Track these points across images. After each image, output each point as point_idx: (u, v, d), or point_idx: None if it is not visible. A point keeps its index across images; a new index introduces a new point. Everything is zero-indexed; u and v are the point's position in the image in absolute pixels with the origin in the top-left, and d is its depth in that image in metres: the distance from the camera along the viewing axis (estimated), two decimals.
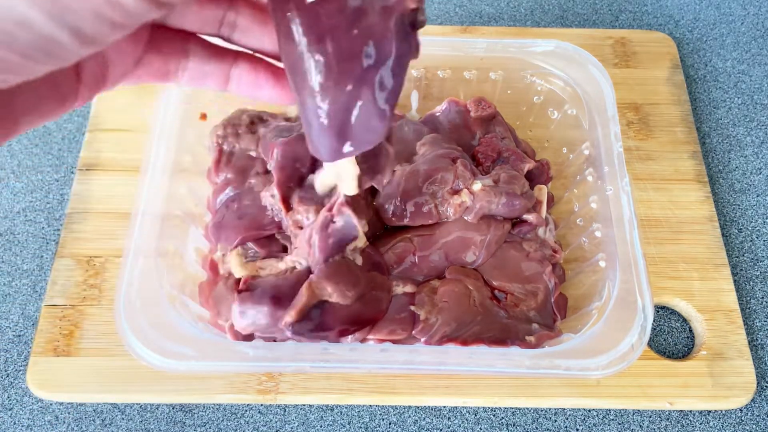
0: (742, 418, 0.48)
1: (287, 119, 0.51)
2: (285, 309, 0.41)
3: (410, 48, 0.25)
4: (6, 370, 0.49)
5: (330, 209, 0.40)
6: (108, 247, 0.52)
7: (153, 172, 0.45)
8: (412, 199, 0.45)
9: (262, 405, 0.48)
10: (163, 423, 0.47)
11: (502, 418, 0.48)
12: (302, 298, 0.40)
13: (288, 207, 0.44)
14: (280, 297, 0.41)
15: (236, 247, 0.46)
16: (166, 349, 0.38)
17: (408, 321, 0.44)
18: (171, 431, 0.47)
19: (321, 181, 0.41)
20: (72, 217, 0.53)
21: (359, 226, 0.40)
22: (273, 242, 0.46)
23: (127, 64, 0.25)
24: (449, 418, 0.48)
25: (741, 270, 0.54)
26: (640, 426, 0.48)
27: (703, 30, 0.69)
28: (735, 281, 0.53)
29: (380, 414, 0.48)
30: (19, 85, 0.21)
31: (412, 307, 0.44)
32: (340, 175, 0.37)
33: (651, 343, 0.51)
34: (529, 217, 0.48)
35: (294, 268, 0.43)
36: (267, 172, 0.48)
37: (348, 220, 0.40)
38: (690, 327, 0.52)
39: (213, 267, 0.46)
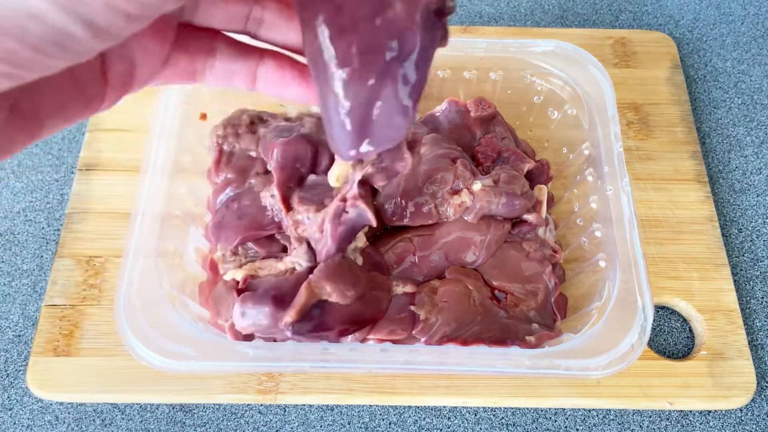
0: (742, 418, 0.48)
1: (287, 119, 0.51)
2: (286, 309, 0.41)
3: (436, 38, 0.24)
4: (6, 370, 0.49)
5: (343, 199, 0.40)
6: (108, 247, 0.52)
7: (153, 172, 0.45)
8: (412, 199, 0.45)
9: (262, 405, 0.48)
10: (163, 423, 0.47)
11: (502, 418, 0.48)
12: (301, 297, 0.40)
13: (288, 207, 0.44)
14: (281, 297, 0.41)
15: (236, 247, 0.46)
16: (166, 349, 0.38)
17: (408, 321, 0.44)
18: (171, 431, 0.47)
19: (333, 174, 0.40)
20: (72, 217, 0.53)
21: (371, 217, 0.40)
22: (273, 242, 0.46)
23: (154, 64, 0.24)
24: (449, 418, 0.48)
25: (741, 270, 0.54)
26: (640, 426, 0.48)
27: (703, 30, 0.69)
28: (735, 281, 0.53)
29: (380, 414, 0.48)
30: (42, 86, 0.20)
31: (412, 307, 0.44)
32: (335, 163, 0.36)
33: (651, 343, 0.51)
34: (529, 217, 0.48)
35: (294, 269, 0.43)
36: (267, 172, 0.48)
37: (361, 212, 0.40)
38: (690, 327, 0.52)
39: (213, 267, 0.46)
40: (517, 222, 0.48)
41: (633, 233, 0.44)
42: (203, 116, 0.51)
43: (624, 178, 0.46)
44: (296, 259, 0.43)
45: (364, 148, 0.26)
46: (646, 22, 0.69)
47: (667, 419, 0.48)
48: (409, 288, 0.45)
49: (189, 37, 0.25)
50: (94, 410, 0.48)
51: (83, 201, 0.54)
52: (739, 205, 0.58)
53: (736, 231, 0.56)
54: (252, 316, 0.41)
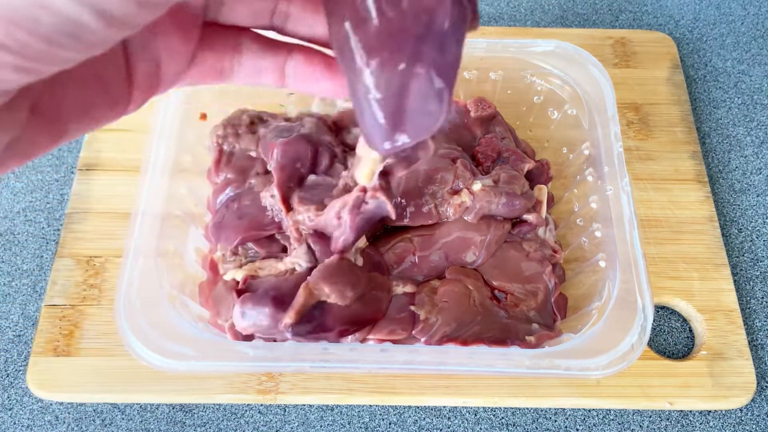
0: (742, 418, 0.48)
1: (287, 119, 0.51)
2: (286, 310, 0.41)
3: (467, 18, 0.23)
4: (6, 370, 0.49)
5: (363, 189, 0.39)
6: (108, 247, 0.52)
7: (153, 172, 0.45)
8: (412, 199, 0.45)
9: (262, 405, 0.48)
10: (163, 423, 0.47)
11: (502, 418, 0.48)
12: (299, 299, 0.40)
13: (288, 207, 0.44)
14: (281, 298, 0.41)
15: (236, 247, 0.46)
16: (166, 349, 0.38)
17: (408, 321, 0.44)
18: (171, 431, 0.47)
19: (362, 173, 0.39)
20: (72, 217, 0.53)
21: (391, 209, 0.40)
22: (273, 242, 0.46)
23: (180, 63, 0.24)
24: (449, 418, 0.48)
25: (741, 270, 0.54)
26: (640, 426, 0.48)
27: (703, 30, 0.69)
28: (735, 281, 0.53)
29: (380, 414, 0.48)
30: (64, 86, 0.20)
31: (412, 307, 0.44)
32: (361, 160, 0.35)
33: (651, 343, 0.51)
34: (529, 217, 0.48)
35: (294, 269, 0.43)
36: (267, 172, 0.48)
37: (381, 204, 0.39)
38: (690, 327, 0.52)
39: (213, 267, 0.46)
40: (517, 222, 0.48)
41: (633, 233, 0.43)
42: (203, 116, 0.51)
43: (624, 178, 0.46)
44: (296, 260, 0.43)
45: (400, 139, 0.24)
46: (646, 22, 0.69)
47: (667, 419, 0.48)
48: (409, 288, 0.45)
49: (214, 36, 0.25)
50: (94, 410, 0.48)
51: (83, 201, 0.54)
52: (739, 205, 0.58)
53: (736, 231, 0.56)
54: (252, 316, 0.41)
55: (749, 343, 0.50)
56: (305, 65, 0.26)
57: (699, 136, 0.61)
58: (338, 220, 0.40)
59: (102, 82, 0.22)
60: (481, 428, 0.48)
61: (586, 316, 0.44)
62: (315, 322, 0.41)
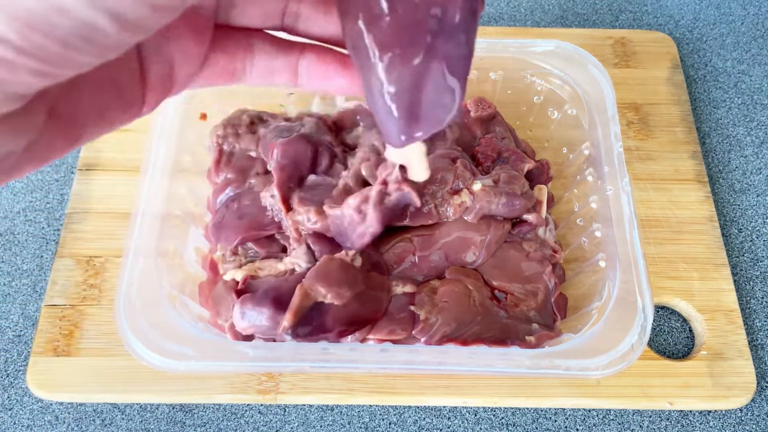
0: (742, 418, 0.48)
1: (287, 119, 0.51)
2: (285, 311, 0.41)
3: (476, 9, 0.23)
4: (6, 370, 0.49)
5: (384, 182, 0.39)
6: (108, 247, 0.52)
7: (153, 172, 0.45)
8: None
9: (262, 405, 0.48)
10: (163, 423, 0.47)
11: (502, 418, 0.48)
12: (296, 300, 0.40)
13: (288, 207, 0.44)
14: (280, 299, 0.41)
15: (236, 247, 0.46)
16: (166, 349, 0.38)
17: (408, 321, 0.44)
18: (171, 431, 0.47)
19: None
20: (72, 217, 0.53)
21: (416, 198, 0.40)
22: (273, 242, 0.46)
23: (193, 65, 0.24)
24: (449, 418, 0.48)
25: (741, 270, 0.54)
26: (640, 426, 0.48)
27: (703, 30, 0.69)
28: (735, 281, 0.53)
29: (380, 414, 0.48)
30: (81, 90, 0.20)
31: (412, 307, 0.44)
32: (408, 160, 0.35)
33: (651, 343, 0.51)
34: (529, 217, 0.48)
35: (294, 269, 0.43)
36: (267, 172, 0.48)
37: (405, 195, 0.40)
38: (690, 327, 0.52)
39: (213, 267, 0.46)
40: (517, 222, 0.48)
41: (633, 233, 0.43)
42: (203, 116, 0.51)
43: (624, 178, 0.46)
44: (296, 260, 0.43)
45: (415, 132, 0.25)
46: (646, 22, 0.69)
47: (667, 419, 0.48)
48: (409, 288, 0.45)
49: (226, 37, 0.25)
50: (94, 410, 0.48)
51: (83, 201, 0.54)
52: (739, 205, 0.58)
53: (736, 231, 0.56)
54: (252, 317, 0.41)
55: (749, 343, 0.50)
56: (318, 64, 0.27)
57: (699, 136, 0.61)
58: (359, 215, 0.41)
59: (116, 86, 0.22)
60: (481, 428, 0.48)
61: (586, 316, 0.44)
62: (314, 323, 0.41)
